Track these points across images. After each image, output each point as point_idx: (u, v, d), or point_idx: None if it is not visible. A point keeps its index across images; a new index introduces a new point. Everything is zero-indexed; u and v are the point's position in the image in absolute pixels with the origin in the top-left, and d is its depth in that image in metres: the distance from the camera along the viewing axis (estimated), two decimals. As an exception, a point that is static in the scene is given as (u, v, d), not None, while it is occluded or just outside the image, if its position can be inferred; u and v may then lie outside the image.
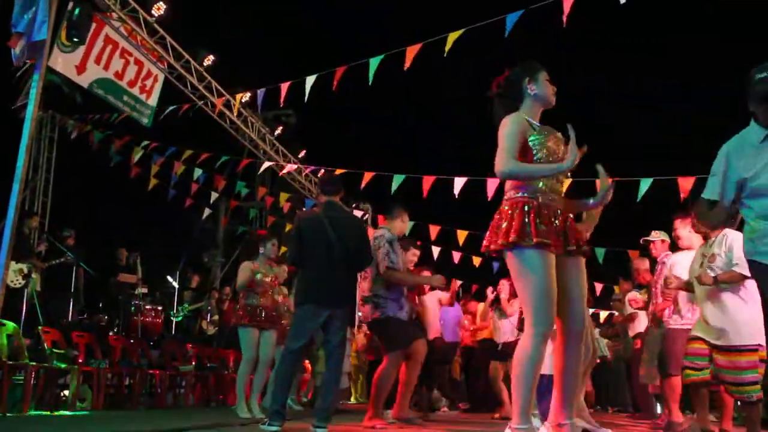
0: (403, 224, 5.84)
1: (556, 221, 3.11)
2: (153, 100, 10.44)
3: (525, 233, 3.01)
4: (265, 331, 6.66)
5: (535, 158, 3.13)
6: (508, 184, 3.21)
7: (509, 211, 3.11)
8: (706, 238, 4.90)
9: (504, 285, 7.81)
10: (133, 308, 9.85)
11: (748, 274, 4.32)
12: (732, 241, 4.57)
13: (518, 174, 3.09)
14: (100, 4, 8.48)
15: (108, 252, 10.51)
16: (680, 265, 5.45)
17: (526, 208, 3.07)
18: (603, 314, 11.60)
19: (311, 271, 4.87)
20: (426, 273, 6.69)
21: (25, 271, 8.00)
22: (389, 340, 5.47)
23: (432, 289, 7.18)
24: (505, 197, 3.20)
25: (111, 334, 8.61)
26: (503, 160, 3.04)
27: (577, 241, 3.18)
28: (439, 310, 7.64)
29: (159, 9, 9.44)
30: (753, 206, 3.00)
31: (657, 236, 6.16)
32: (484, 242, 3.20)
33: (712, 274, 4.59)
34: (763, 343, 4.23)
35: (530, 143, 3.15)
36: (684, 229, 5.52)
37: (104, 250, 10.82)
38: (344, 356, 5.22)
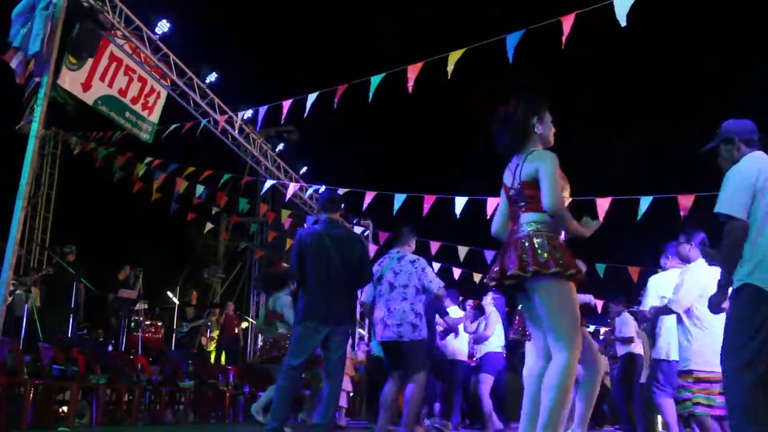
0: (411, 249, 5.70)
1: None
2: (155, 117, 10.49)
3: (575, 267, 3.18)
4: None
5: None
6: (533, 216, 3.27)
7: (549, 241, 3.20)
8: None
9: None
10: (133, 324, 9.85)
11: (671, 307, 4.76)
12: (684, 274, 4.88)
13: (563, 216, 3.22)
14: (105, 21, 8.55)
15: (109, 267, 10.53)
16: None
17: (561, 243, 3.24)
18: (603, 331, 11.58)
19: (312, 288, 4.89)
20: None
21: (10, 288, 8.00)
22: (424, 362, 5.42)
23: None
24: (529, 229, 3.25)
25: (110, 349, 8.60)
26: (558, 198, 3.19)
27: None
28: None
29: (163, 27, 9.54)
30: None
31: None
32: (515, 268, 3.19)
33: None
34: (692, 367, 4.65)
35: None
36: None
37: (105, 266, 10.84)
38: (344, 373, 5.22)
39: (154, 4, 9.67)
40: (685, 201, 7.72)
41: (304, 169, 14.25)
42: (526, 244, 3.20)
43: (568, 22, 5.19)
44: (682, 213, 7.61)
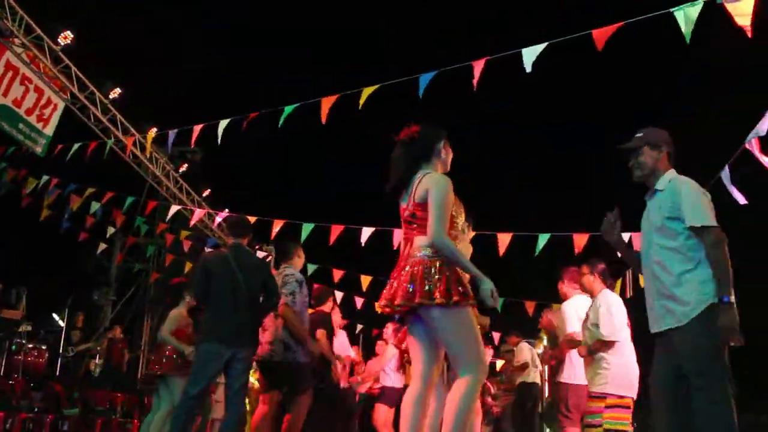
0: (300, 259, 5.76)
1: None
2: (49, 130, 10.02)
3: (467, 293, 3.14)
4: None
5: None
6: (421, 241, 3.24)
7: (436, 270, 3.14)
8: (593, 296, 5.22)
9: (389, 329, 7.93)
10: (14, 347, 9.27)
11: (612, 339, 4.80)
12: (600, 303, 4.98)
13: (446, 251, 3.16)
14: (3, 28, 8.18)
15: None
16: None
17: (453, 270, 3.17)
18: (499, 364, 11.92)
19: (215, 310, 4.82)
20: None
21: None
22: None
23: None
24: (422, 254, 3.21)
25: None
26: (442, 230, 3.15)
27: None
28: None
29: (66, 38, 9.20)
30: None
31: None
32: (401, 298, 3.17)
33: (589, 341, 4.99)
34: (608, 390, 4.78)
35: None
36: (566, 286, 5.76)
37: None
38: (245, 402, 5.14)
39: (59, 14, 9.32)
40: (580, 239, 8.14)
41: (208, 191, 13.96)
42: (416, 270, 3.16)
43: (478, 67, 5.44)
44: (576, 250, 8.00)
